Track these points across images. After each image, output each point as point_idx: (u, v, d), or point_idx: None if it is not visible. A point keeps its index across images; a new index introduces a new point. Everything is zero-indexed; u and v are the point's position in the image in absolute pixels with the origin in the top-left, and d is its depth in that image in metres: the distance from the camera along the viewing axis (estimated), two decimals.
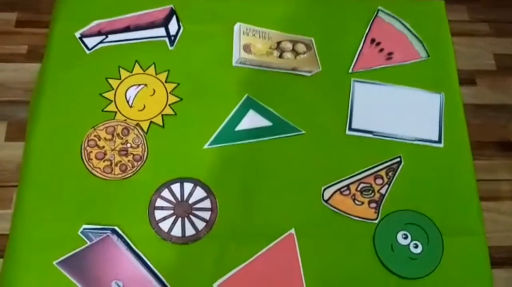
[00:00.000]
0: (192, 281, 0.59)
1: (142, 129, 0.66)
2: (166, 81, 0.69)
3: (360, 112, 0.69)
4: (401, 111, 0.70)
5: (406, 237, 0.62)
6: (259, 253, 0.60)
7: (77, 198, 0.62)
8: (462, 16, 1.29)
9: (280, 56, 0.71)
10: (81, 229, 0.59)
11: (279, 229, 0.62)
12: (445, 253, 0.61)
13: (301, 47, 0.72)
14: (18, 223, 0.60)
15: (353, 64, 0.72)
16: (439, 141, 0.68)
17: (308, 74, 0.71)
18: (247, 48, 0.71)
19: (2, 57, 1.15)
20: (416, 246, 0.62)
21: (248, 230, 0.62)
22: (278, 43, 0.72)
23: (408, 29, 0.75)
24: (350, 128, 0.68)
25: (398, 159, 0.66)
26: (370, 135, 0.68)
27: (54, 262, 0.58)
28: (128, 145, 0.65)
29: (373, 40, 0.74)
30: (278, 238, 0.61)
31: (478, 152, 1.11)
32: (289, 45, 0.72)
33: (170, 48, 0.72)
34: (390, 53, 0.74)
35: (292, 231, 0.61)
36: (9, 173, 1.03)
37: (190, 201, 0.63)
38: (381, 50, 0.74)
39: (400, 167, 0.66)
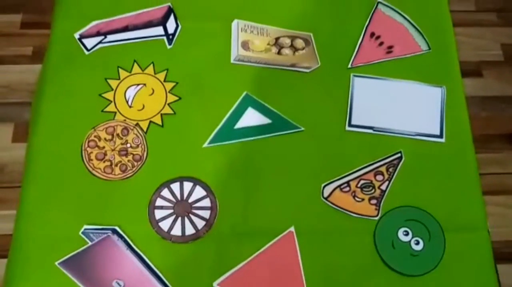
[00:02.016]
0: (192, 280, 0.59)
1: (142, 129, 0.66)
2: (164, 81, 0.69)
3: (360, 108, 0.68)
4: (402, 106, 0.69)
5: (407, 234, 0.61)
6: (259, 251, 0.60)
7: (78, 199, 0.62)
8: (468, 6, 1.26)
9: (279, 53, 0.71)
10: (82, 230, 0.60)
11: (279, 227, 0.61)
12: (447, 250, 0.60)
13: (299, 43, 0.72)
14: (20, 224, 0.61)
15: (352, 59, 0.71)
16: (441, 136, 0.67)
17: (307, 71, 0.71)
18: (245, 45, 0.70)
19: (7, 59, 1.17)
20: (417, 243, 0.61)
21: (248, 228, 0.62)
22: (277, 39, 0.72)
23: (409, 22, 0.74)
24: (350, 125, 0.67)
25: (399, 155, 0.65)
26: (370, 131, 0.67)
27: (56, 263, 0.58)
28: (128, 145, 0.65)
29: (372, 34, 0.73)
30: (278, 236, 0.61)
31: (486, 145, 1.09)
32: (287, 41, 0.72)
33: (169, 47, 0.71)
34: (390, 47, 0.72)
35: (292, 228, 0.61)
36: (16, 173, 1.04)
37: (190, 200, 0.63)
38: (381, 43, 0.73)
39: (401, 163, 0.65)
